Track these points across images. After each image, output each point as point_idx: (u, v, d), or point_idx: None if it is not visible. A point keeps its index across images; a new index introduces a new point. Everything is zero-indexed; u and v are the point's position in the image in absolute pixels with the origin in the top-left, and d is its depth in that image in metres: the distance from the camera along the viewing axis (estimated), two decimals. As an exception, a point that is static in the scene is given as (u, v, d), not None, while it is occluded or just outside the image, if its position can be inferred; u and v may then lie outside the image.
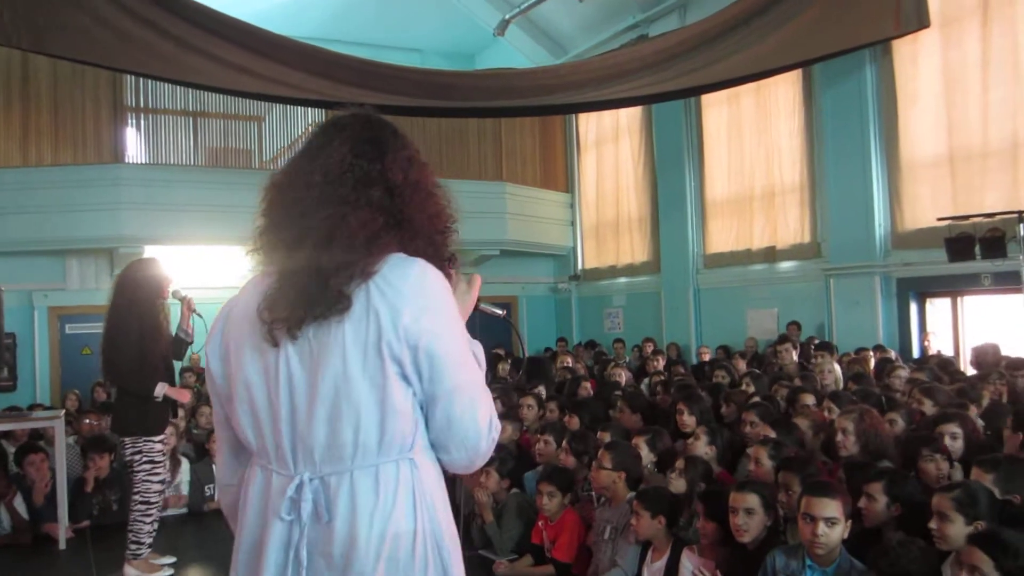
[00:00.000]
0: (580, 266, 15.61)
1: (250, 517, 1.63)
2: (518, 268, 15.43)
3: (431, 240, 1.69)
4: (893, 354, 8.58)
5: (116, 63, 8.84)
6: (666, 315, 13.22)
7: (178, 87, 11.83)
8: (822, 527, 3.06)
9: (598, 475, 4.39)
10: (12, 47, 8.74)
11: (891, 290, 10.13)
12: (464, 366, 1.60)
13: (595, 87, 9.64)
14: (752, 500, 3.48)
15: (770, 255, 11.68)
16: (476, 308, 1.87)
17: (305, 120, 14.15)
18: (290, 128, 14.23)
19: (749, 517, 3.47)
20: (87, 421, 7.41)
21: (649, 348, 11.33)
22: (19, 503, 5.77)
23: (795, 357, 7.63)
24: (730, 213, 12.40)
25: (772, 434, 4.65)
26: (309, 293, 1.53)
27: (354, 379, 1.52)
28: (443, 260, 1.71)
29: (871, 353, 8.41)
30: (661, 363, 9.37)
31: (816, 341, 9.35)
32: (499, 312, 1.99)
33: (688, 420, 5.25)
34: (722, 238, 12.56)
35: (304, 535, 1.54)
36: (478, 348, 1.70)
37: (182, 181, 11.63)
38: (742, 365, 8.82)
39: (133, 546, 4.86)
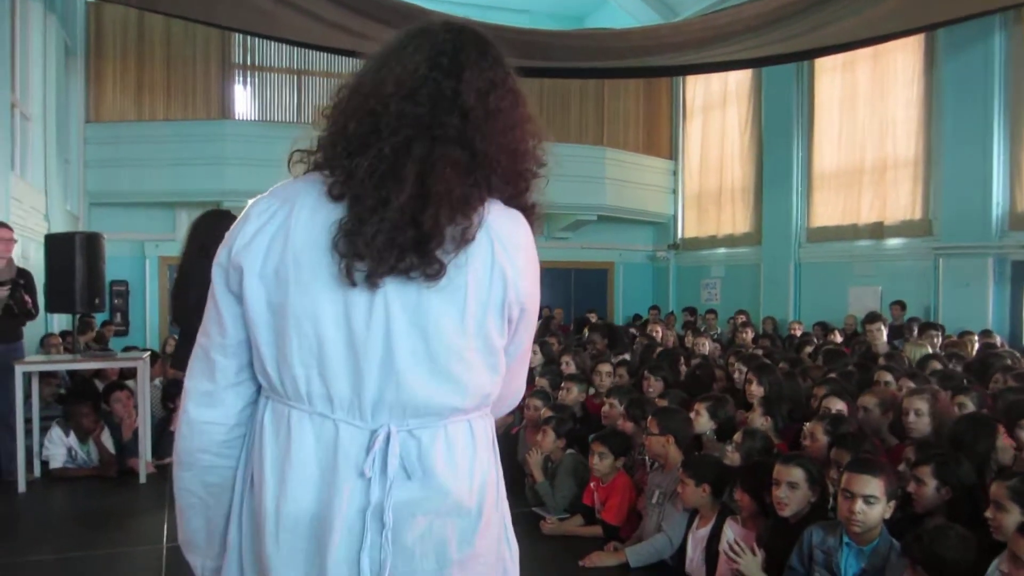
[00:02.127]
0: (680, 235, 15.30)
1: (297, 474, 1.37)
2: (616, 235, 15.26)
3: (509, 181, 1.45)
4: (999, 340, 8.06)
5: (216, 19, 9.10)
6: (764, 288, 12.84)
7: (283, 45, 12.12)
8: (860, 505, 2.91)
9: (648, 440, 4.32)
10: (123, 4, 9.11)
11: (1005, 273, 9.53)
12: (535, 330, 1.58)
13: (695, 50, 9.34)
14: (796, 474, 3.33)
15: (877, 231, 11.16)
16: None
17: (408, 80, 14.30)
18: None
19: (792, 491, 3.32)
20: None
21: (740, 319, 11.01)
22: (107, 438, 6.08)
23: (885, 337, 7.25)
24: (837, 186, 11.89)
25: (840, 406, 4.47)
26: (400, 245, 1.32)
27: (472, 336, 1.38)
28: (524, 209, 1.50)
29: (975, 337, 7.93)
30: (750, 335, 9.09)
31: (917, 322, 8.87)
32: None
33: (756, 391, 5.07)
34: (827, 212, 12.08)
35: (390, 494, 1.35)
36: None
37: (286, 138, 11.58)
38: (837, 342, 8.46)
39: None
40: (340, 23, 8.79)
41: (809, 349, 7.38)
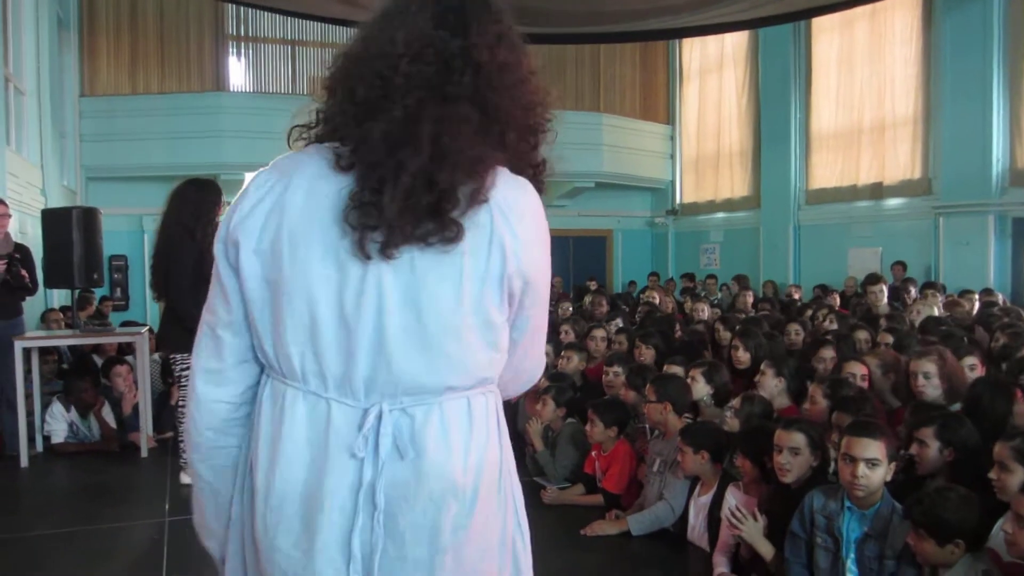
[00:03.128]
0: (678, 200, 15.25)
1: (289, 453, 1.34)
2: (614, 201, 15.21)
3: (523, 137, 1.42)
4: (1000, 298, 8.05)
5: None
6: (764, 252, 12.83)
7: (276, 16, 11.99)
8: (862, 468, 2.89)
9: (647, 408, 4.31)
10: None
11: (1006, 230, 9.50)
12: (548, 303, 1.50)
13: (690, 12, 9.22)
14: (798, 439, 3.32)
15: (876, 192, 11.12)
16: None
17: (402, 49, 14.16)
18: (387, 57, 14.28)
19: (793, 457, 3.31)
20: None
21: (736, 285, 10.99)
22: (107, 413, 6.08)
23: (886, 298, 7.23)
24: (836, 147, 11.83)
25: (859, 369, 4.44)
26: (416, 211, 1.27)
27: (468, 312, 1.33)
28: (532, 166, 1.46)
29: (976, 296, 7.91)
30: (749, 300, 9.08)
31: (913, 283, 8.84)
32: None
33: (742, 356, 5.06)
34: (826, 173, 12.03)
35: (382, 474, 1.31)
36: None
37: (281, 110, 11.57)
38: (836, 304, 8.45)
39: (184, 455, 5.06)
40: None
41: (809, 313, 7.35)
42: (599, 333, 6.33)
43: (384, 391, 1.33)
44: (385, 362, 1.31)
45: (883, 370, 4.48)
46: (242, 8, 12.05)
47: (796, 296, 10.12)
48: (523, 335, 1.45)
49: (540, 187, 1.46)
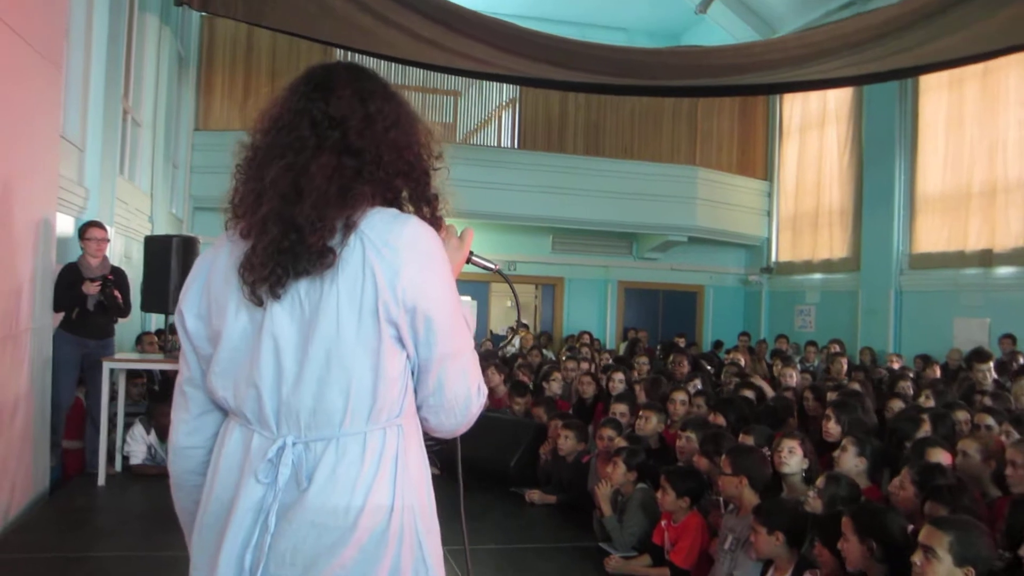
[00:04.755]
0: (773, 258, 14.84)
1: (223, 474, 1.55)
2: (706, 257, 14.93)
3: (401, 173, 1.58)
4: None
5: (319, 34, 9.27)
6: (862, 317, 12.31)
7: (380, 60, 12.29)
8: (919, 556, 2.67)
9: (722, 481, 4.09)
10: (228, 17, 9.38)
11: None
12: (458, 330, 1.56)
13: (791, 67, 9.00)
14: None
15: (986, 259, 10.56)
16: (468, 260, 1.76)
17: (500, 97, 14.33)
18: (485, 104, 14.46)
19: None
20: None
21: (835, 349, 10.56)
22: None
23: (992, 377, 6.78)
24: (942, 210, 11.32)
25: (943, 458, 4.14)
26: (289, 249, 1.46)
27: (347, 342, 1.46)
28: (425, 201, 1.62)
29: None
30: (843, 367, 8.69)
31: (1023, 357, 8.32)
32: (492, 265, 1.83)
33: (833, 429, 4.78)
34: (931, 237, 11.51)
35: (277, 500, 1.47)
36: (468, 310, 1.62)
37: None
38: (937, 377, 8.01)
39: None
40: (435, 40, 8.85)
41: (905, 384, 6.96)
42: (679, 395, 6.13)
43: (290, 424, 1.49)
44: (285, 398, 1.49)
45: (983, 456, 4.17)
46: (349, 52, 12.38)
47: (896, 365, 9.63)
48: (431, 363, 1.53)
49: (437, 222, 1.63)
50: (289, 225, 1.46)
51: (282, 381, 1.49)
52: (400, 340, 1.50)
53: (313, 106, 1.54)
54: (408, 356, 1.52)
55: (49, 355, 5.60)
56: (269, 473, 1.49)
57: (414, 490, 1.55)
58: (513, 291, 1.96)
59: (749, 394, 6.39)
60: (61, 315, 5.89)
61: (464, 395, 1.56)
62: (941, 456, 4.14)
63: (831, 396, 5.74)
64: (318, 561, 1.45)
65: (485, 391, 1.61)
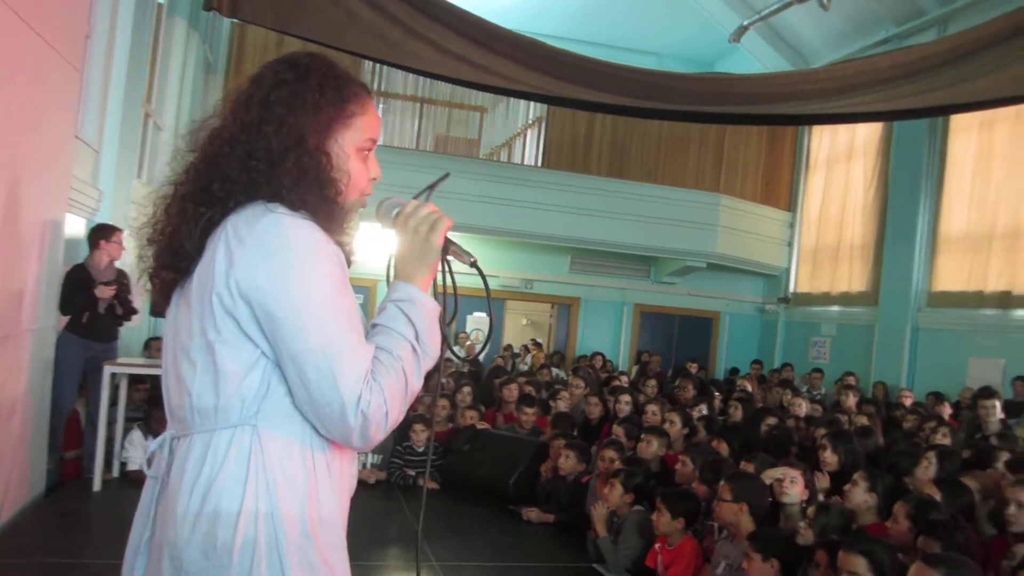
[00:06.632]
0: (792, 288, 14.79)
1: None
2: (725, 284, 14.91)
3: (301, 169, 1.51)
4: None
5: (347, 45, 9.35)
6: (877, 351, 12.23)
7: (408, 73, 12.40)
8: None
9: (719, 507, 4.10)
10: (258, 25, 9.52)
11: None
12: (313, 330, 1.41)
13: (821, 99, 9.00)
14: (858, 564, 3.06)
15: (1005, 300, 10.48)
16: (447, 251, 1.62)
17: (526, 115, 14.41)
18: (511, 122, 14.52)
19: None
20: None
21: (849, 381, 10.49)
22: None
23: (999, 415, 6.75)
24: (964, 250, 11.25)
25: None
26: (163, 253, 1.58)
27: (194, 335, 1.47)
28: (325, 191, 1.53)
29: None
30: (853, 400, 8.64)
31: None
32: (470, 258, 1.63)
33: (829, 458, 4.77)
34: (951, 276, 11.44)
35: (158, 493, 1.54)
36: (389, 317, 1.52)
37: (405, 164, 12.17)
38: (946, 415, 7.94)
39: None
40: (464, 55, 8.93)
41: (912, 420, 6.92)
42: (672, 417, 6.15)
43: (172, 420, 1.55)
44: (164, 394, 1.57)
45: (983, 495, 4.15)
46: (378, 64, 12.52)
47: (907, 402, 9.57)
48: (283, 360, 1.44)
49: (331, 208, 1.53)
50: (175, 228, 1.56)
51: (166, 378, 1.57)
52: (246, 334, 1.44)
53: (222, 117, 1.63)
54: (264, 353, 1.45)
55: (51, 357, 5.52)
56: (157, 467, 1.56)
57: (277, 497, 1.43)
58: (489, 300, 1.67)
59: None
60: (67, 317, 5.80)
61: (337, 403, 1.40)
62: (935, 491, 4.12)
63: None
64: (180, 561, 1.43)
65: (379, 405, 1.42)
